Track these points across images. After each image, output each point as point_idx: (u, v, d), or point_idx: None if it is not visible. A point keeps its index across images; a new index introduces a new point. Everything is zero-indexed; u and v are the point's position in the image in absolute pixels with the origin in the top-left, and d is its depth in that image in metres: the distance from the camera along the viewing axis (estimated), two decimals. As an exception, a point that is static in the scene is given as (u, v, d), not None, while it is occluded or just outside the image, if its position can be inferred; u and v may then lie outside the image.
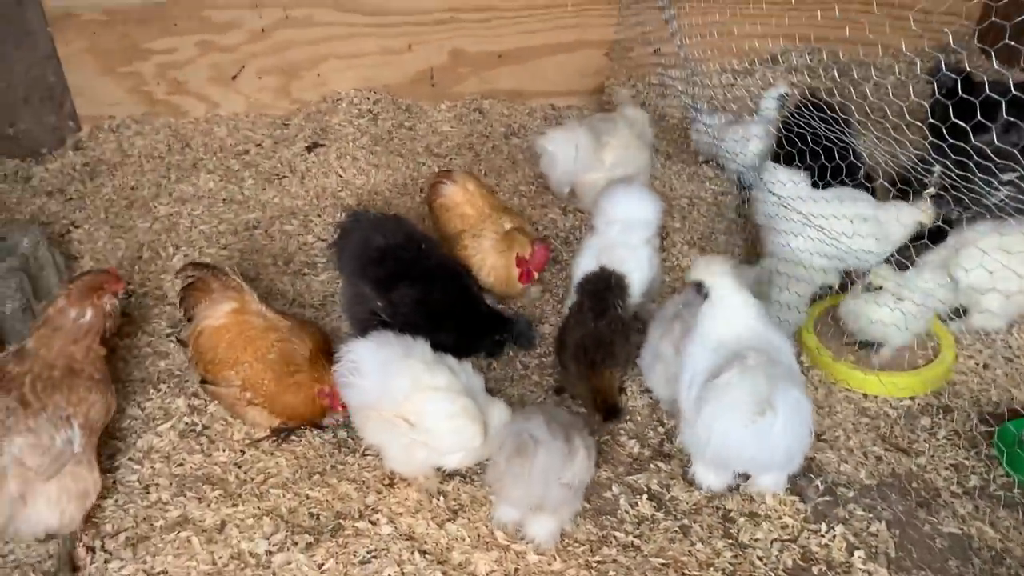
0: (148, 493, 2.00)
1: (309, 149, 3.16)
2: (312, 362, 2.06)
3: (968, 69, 2.76)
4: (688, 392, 1.93)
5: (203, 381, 2.10)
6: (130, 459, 2.08)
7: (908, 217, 2.44)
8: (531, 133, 3.29)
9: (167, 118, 3.28)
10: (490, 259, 2.41)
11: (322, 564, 1.85)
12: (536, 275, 2.44)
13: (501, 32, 3.38)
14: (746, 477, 2.01)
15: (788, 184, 2.43)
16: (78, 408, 1.76)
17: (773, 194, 2.43)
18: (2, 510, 1.66)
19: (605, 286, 2.23)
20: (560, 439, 1.79)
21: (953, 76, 2.63)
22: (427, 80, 3.44)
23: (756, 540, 1.93)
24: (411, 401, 1.92)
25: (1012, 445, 2.06)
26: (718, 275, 1.97)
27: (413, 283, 2.22)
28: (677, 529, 1.95)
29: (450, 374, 1.97)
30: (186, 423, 2.16)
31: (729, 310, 1.95)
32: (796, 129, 2.59)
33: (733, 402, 1.77)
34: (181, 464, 2.07)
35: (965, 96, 2.21)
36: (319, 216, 2.90)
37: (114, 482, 2.02)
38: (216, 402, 2.16)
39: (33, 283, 2.34)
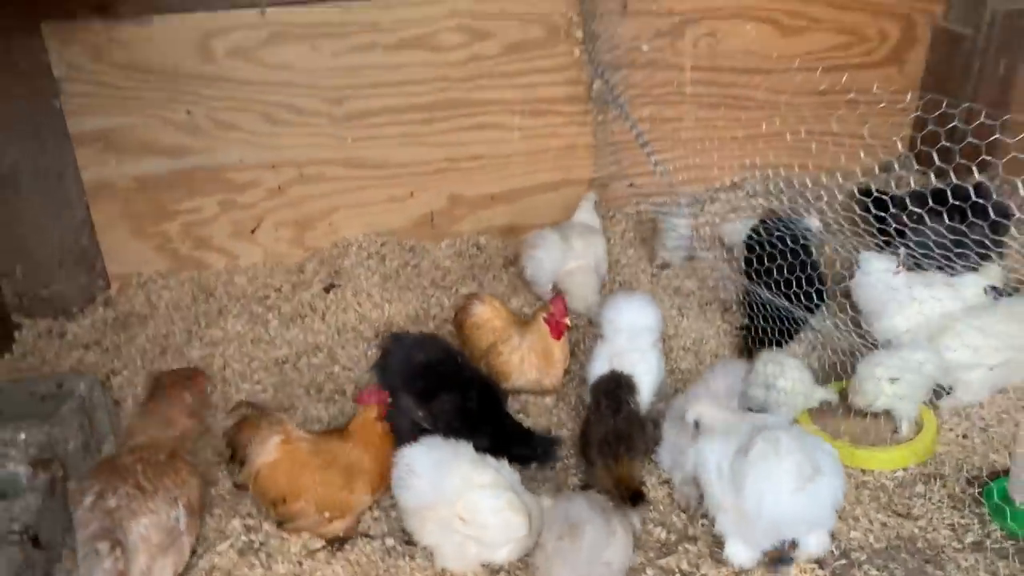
0: (213, 611, 2.14)
1: (327, 290, 3.43)
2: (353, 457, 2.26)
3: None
4: (718, 478, 2.15)
5: (279, 524, 2.27)
6: (194, 580, 2.22)
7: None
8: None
9: (191, 272, 3.54)
10: (527, 353, 2.70)
11: (389, 659, 1.98)
12: (566, 324, 2.71)
13: (493, 177, 3.75)
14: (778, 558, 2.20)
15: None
16: (182, 490, 2.08)
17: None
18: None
19: (617, 385, 2.50)
20: (602, 518, 1.98)
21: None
22: (428, 222, 3.77)
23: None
24: (463, 499, 2.11)
25: (997, 500, 2.30)
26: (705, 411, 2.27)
27: (452, 393, 2.45)
28: (710, 603, 2.12)
29: (494, 471, 2.17)
30: (244, 541, 2.30)
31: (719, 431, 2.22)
32: (759, 249, 2.97)
33: (781, 470, 1.98)
34: (244, 579, 2.21)
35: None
36: (342, 348, 3.13)
37: (182, 602, 2.15)
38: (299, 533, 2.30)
39: (89, 424, 2.52)
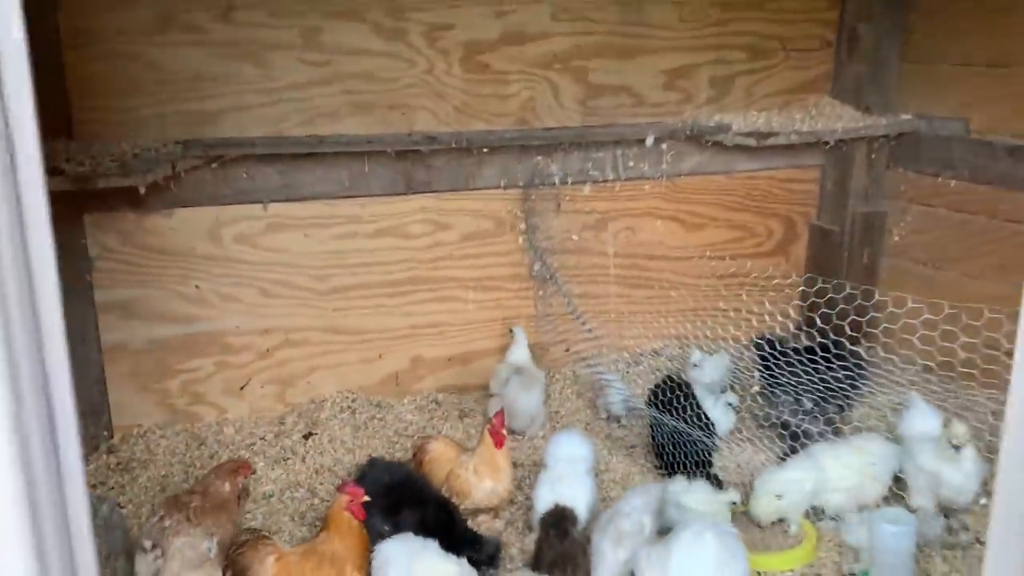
0: None
1: (305, 437, 3.96)
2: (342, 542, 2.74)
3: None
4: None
5: None
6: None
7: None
8: (478, 414, 4.22)
9: (185, 424, 4.04)
10: (478, 465, 3.23)
11: None
12: (506, 435, 3.26)
13: (450, 341, 4.41)
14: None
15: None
16: (218, 529, 2.74)
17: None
18: (170, 578, 2.63)
19: (563, 517, 3.05)
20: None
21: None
22: (393, 381, 4.37)
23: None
24: (431, 587, 2.61)
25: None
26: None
27: (413, 509, 2.97)
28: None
29: (456, 563, 2.68)
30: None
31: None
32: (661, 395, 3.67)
33: (706, 552, 2.54)
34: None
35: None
36: (321, 484, 3.63)
37: None
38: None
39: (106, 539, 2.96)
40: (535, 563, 2.96)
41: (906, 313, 3.40)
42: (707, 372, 4.07)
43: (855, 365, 3.68)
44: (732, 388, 4.13)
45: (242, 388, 4.13)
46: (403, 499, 3.02)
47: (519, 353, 4.17)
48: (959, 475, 3.10)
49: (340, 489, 2.86)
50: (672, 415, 3.50)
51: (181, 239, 3.86)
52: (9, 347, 0.96)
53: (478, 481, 3.23)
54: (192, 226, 3.87)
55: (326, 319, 4.18)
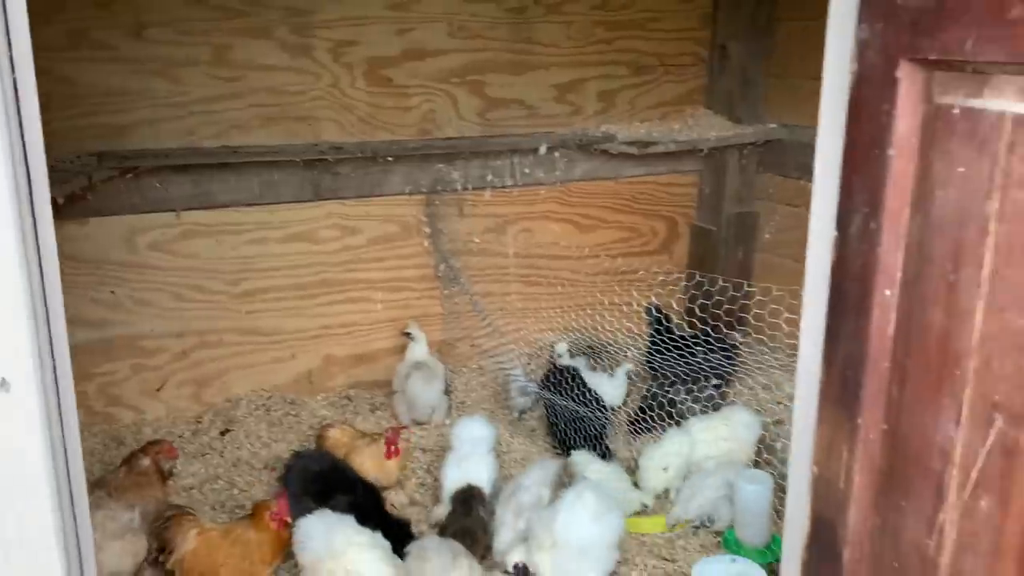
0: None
1: (222, 433, 4.15)
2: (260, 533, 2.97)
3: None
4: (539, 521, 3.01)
5: None
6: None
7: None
8: (388, 407, 4.49)
9: (103, 425, 4.17)
10: (368, 460, 3.52)
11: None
12: (398, 449, 3.53)
13: (359, 340, 4.66)
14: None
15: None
16: (140, 502, 2.99)
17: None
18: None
19: (471, 495, 3.35)
20: (448, 551, 2.79)
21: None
22: (306, 379, 4.60)
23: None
24: (346, 554, 2.86)
25: (731, 543, 3.26)
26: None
27: (344, 493, 3.22)
28: (532, 625, 2.92)
29: (370, 534, 2.95)
30: (171, 611, 2.93)
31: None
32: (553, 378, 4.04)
33: (584, 506, 2.88)
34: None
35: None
36: (239, 476, 3.84)
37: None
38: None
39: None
40: (441, 533, 3.26)
41: (772, 301, 3.84)
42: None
43: (729, 348, 4.12)
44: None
45: (158, 389, 4.29)
46: (333, 485, 3.27)
47: (418, 349, 4.44)
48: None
49: (270, 513, 3.03)
50: (563, 396, 3.85)
51: (96, 247, 4.00)
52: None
53: (365, 472, 3.50)
54: (107, 234, 4.02)
55: (240, 321, 4.37)
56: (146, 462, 3.17)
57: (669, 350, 4.06)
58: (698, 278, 4.47)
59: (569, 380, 3.95)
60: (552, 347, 4.62)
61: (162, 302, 4.20)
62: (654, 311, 4.47)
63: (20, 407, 1.21)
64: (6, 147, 1.14)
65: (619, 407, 4.25)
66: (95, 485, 3.05)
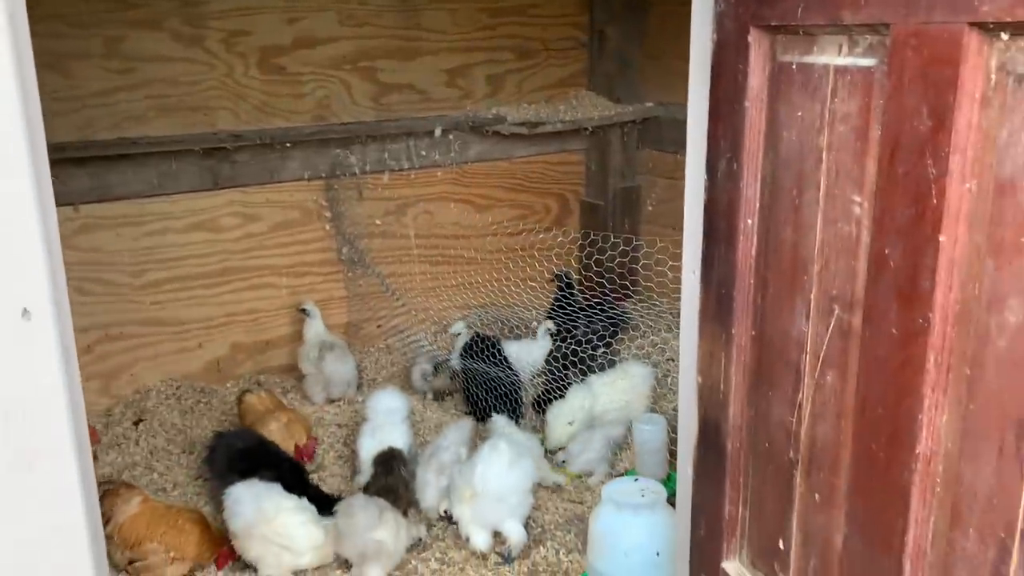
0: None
1: (136, 424, 4.17)
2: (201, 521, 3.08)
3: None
4: (459, 475, 3.22)
5: (131, 562, 3.00)
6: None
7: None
8: (298, 390, 4.60)
9: (7, 424, 4.12)
10: (276, 433, 3.68)
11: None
12: (309, 459, 3.69)
13: (266, 327, 4.74)
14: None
15: None
16: None
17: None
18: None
19: (391, 457, 3.51)
20: (374, 507, 2.98)
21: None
22: (215, 368, 4.65)
23: (503, 566, 3.17)
24: (276, 518, 3.00)
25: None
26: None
27: (268, 469, 3.29)
28: (458, 571, 3.14)
29: (297, 500, 3.10)
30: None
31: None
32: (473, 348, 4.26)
33: (497, 455, 3.11)
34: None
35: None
36: (158, 462, 3.89)
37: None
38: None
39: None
40: (364, 492, 3.43)
41: (658, 253, 4.12)
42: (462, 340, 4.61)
43: (619, 315, 4.44)
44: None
45: (64, 386, 4.26)
46: (258, 461, 3.35)
47: (316, 326, 4.56)
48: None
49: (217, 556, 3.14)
50: (484, 363, 4.07)
51: (-10, 244, 3.94)
52: None
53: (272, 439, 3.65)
54: (1, 230, 3.96)
55: (144, 312, 4.39)
56: None
57: (569, 314, 4.34)
58: (592, 236, 4.74)
59: (489, 348, 4.17)
60: (450, 326, 4.80)
61: (63, 297, 4.17)
62: (564, 276, 4.74)
63: (40, 334, 1.34)
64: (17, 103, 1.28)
65: (541, 369, 4.47)
66: None
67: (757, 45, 1.53)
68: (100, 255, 4.23)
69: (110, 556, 3.04)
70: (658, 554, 2.24)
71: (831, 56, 1.38)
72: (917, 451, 1.22)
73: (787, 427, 1.55)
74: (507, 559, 3.19)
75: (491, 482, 3.12)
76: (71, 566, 1.54)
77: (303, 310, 4.58)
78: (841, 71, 1.36)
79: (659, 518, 2.25)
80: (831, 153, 1.39)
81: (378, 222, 4.95)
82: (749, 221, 1.61)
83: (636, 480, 2.33)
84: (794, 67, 1.47)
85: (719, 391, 1.74)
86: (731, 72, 1.60)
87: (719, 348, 1.71)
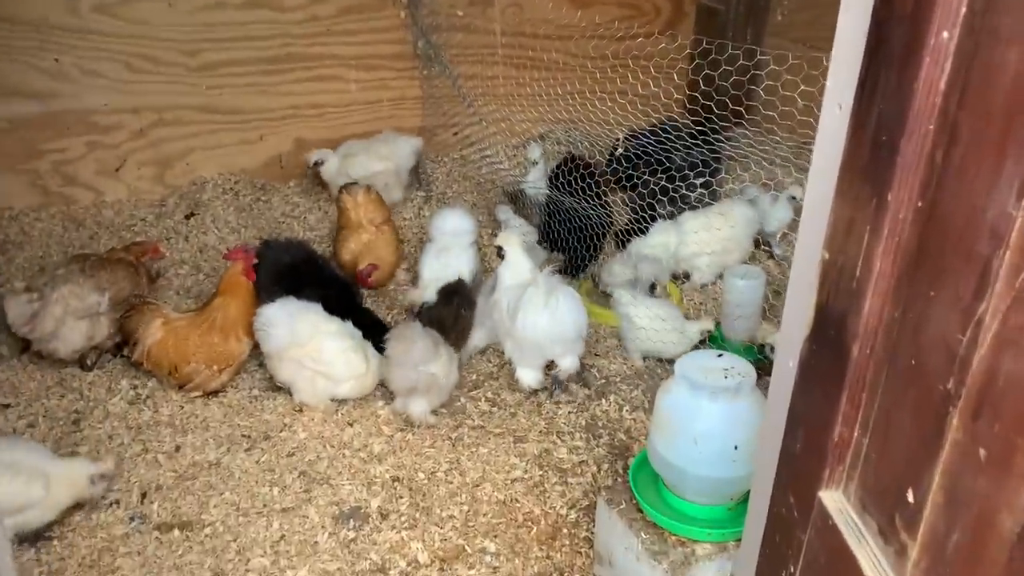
0: (111, 440, 2.66)
1: (187, 217, 3.92)
2: (229, 311, 2.83)
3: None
4: (505, 316, 2.85)
5: (180, 387, 2.82)
6: (90, 424, 2.71)
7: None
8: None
9: (60, 207, 3.93)
10: (356, 254, 3.37)
11: (259, 460, 2.57)
12: (366, 285, 3.36)
13: (333, 123, 4.33)
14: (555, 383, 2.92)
15: None
16: (112, 287, 2.85)
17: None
18: (48, 322, 2.75)
19: (455, 290, 3.13)
20: (430, 340, 2.65)
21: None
22: (277, 163, 4.31)
23: (559, 414, 2.84)
24: (313, 342, 2.72)
25: (717, 340, 3.13)
26: (512, 244, 2.97)
27: (315, 288, 2.96)
28: (508, 415, 2.83)
29: (339, 323, 2.79)
30: (132, 394, 2.84)
31: (516, 265, 2.93)
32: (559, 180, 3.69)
33: (531, 301, 2.72)
34: (136, 419, 2.73)
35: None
36: (205, 262, 3.65)
37: (82, 439, 2.65)
38: (197, 392, 2.83)
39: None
40: (424, 321, 3.10)
41: (784, 86, 3.45)
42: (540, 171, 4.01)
43: (719, 142, 3.78)
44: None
45: (117, 170, 4.01)
46: (305, 279, 3.01)
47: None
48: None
49: (229, 256, 2.89)
50: (572, 195, 3.52)
51: (33, 7, 3.58)
52: None
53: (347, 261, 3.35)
54: (43, -8, 3.58)
55: (200, 97, 4.02)
56: (126, 254, 3.08)
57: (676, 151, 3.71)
58: (705, 45, 3.98)
59: (587, 176, 3.57)
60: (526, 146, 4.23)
61: (113, 73, 3.82)
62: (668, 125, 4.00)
63: None
64: None
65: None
66: (71, 260, 2.94)
67: None
68: (150, 28, 3.81)
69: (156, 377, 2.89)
70: (736, 447, 1.85)
71: None
72: None
73: (951, 346, 1.07)
74: (556, 385, 2.88)
75: (533, 324, 2.74)
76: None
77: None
78: None
79: (743, 406, 1.83)
80: None
81: (460, 13, 4.34)
82: (945, 34, 1.05)
83: (720, 356, 1.90)
84: None
85: (852, 275, 1.24)
86: None
87: (863, 217, 1.20)
